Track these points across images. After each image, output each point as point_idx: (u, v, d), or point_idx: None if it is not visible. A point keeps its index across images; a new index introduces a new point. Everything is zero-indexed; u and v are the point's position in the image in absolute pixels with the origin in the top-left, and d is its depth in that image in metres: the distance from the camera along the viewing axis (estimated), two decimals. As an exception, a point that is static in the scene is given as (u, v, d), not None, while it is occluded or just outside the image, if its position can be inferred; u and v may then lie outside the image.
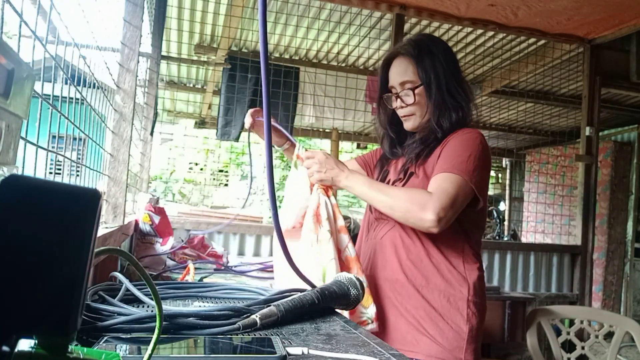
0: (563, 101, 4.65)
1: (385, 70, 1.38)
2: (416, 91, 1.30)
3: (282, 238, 1.00)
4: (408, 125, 1.36)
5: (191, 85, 5.01)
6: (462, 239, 1.26)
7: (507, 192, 7.40)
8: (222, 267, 1.79)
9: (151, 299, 0.80)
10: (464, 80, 1.34)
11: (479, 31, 3.51)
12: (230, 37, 3.54)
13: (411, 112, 1.33)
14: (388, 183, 1.36)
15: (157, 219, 1.71)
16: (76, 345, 0.36)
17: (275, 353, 0.63)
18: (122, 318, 0.72)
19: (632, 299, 5.17)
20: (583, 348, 2.32)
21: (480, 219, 1.33)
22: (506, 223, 6.54)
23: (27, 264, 0.30)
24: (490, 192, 7.89)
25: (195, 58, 4.07)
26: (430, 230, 1.16)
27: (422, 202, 1.15)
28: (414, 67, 1.31)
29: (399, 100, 1.34)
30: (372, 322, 1.18)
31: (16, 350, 0.31)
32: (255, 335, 0.74)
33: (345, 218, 1.64)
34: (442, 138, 1.29)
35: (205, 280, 1.47)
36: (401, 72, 1.33)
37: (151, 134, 3.04)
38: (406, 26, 3.31)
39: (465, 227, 1.27)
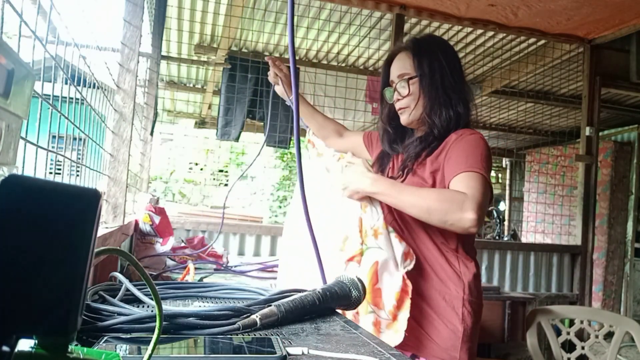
0: (563, 101, 4.65)
1: (387, 67, 1.41)
2: (410, 82, 1.32)
3: (313, 236, 1.00)
4: (403, 119, 1.37)
5: (191, 85, 5.01)
6: (456, 237, 1.26)
7: (507, 192, 7.39)
8: (222, 267, 1.79)
9: (151, 299, 0.80)
10: (463, 82, 1.34)
11: (479, 31, 3.50)
12: (230, 37, 3.53)
13: (406, 104, 1.34)
14: None
15: (157, 219, 1.71)
16: (76, 345, 0.36)
17: (275, 353, 0.63)
18: (122, 318, 0.71)
19: (632, 299, 5.17)
20: (583, 348, 2.32)
21: None
22: (506, 223, 6.54)
23: (27, 264, 0.30)
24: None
25: (195, 58, 4.07)
26: (470, 230, 1.12)
27: (460, 201, 1.11)
28: (411, 61, 1.33)
29: (396, 93, 1.36)
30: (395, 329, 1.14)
31: (16, 350, 0.31)
32: (255, 335, 0.74)
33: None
34: (440, 137, 1.28)
35: (205, 280, 1.47)
36: (400, 66, 1.36)
37: (151, 134, 3.04)
38: (406, 26, 3.31)
39: None
